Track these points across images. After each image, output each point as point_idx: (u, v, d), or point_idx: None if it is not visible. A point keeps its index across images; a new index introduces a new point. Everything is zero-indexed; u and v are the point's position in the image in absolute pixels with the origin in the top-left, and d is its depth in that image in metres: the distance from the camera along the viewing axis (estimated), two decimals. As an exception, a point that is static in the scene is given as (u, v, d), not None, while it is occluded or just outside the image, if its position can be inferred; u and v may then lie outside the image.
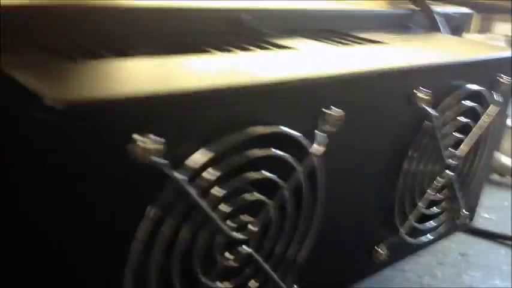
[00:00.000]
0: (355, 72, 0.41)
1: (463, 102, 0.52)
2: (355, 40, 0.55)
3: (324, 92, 0.39)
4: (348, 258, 0.50)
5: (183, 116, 0.31)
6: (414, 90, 0.46)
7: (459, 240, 0.83)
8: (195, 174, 0.32)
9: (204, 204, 0.32)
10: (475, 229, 0.85)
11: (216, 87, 0.31)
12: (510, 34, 1.33)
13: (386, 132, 0.47)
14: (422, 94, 0.46)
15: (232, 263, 0.37)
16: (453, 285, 0.71)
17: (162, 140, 0.29)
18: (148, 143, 0.28)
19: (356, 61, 0.45)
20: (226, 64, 0.39)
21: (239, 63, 0.40)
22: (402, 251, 0.56)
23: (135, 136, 0.28)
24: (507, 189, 1.05)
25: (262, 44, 0.47)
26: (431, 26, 0.67)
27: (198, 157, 0.31)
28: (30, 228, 0.28)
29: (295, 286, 0.45)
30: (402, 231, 0.52)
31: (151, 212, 0.30)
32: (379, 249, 0.52)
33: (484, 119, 0.54)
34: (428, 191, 0.53)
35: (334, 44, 0.52)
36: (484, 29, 1.37)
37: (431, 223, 0.56)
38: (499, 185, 1.06)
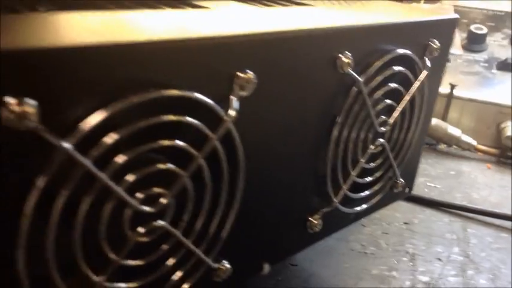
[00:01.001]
0: (267, 33, 0.38)
1: (393, 67, 0.51)
2: (279, 2, 0.52)
3: (234, 54, 0.37)
4: (281, 230, 0.49)
5: (76, 74, 0.28)
6: (339, 55, 0.45)
7: (404, 210, 0.84)
8: (91, 140, 0.29)
9: (99, 172, 0.29)
10: (419, 198, 0.86)
11: (102, 44, 0.29)
12: (458, 4, 1.34)
13: (314, 98, 0.45)
14: (347, 59, 0.45)
15: (144, 239, 0.35)
16: (396, 254, 0.72)
17: (35, 102, 0.26)
18: (18, 106, 0.25)
19: (271, 22, 0.43)
20: (127, 20, 0.36)
21: (139, 20, 0.36)
22: (338, 221, 0.55)
23: (7, 99, 0.25)
24: (453, 158, 1.06)
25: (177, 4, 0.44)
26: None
27: (92, 120, 0.29)
28: None
29: (224, 261, 0.43)
30: (336, 200, 0.51)
31: (38, 183, 0.28)
32: (313, 220, 0.51)
33: (414, 85, 0.54)
34: (361, 159, 0.52)
35: (256, 6, 0.49)
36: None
37: (367, 192, 0.55)
38: (445, 154, 1.08)
